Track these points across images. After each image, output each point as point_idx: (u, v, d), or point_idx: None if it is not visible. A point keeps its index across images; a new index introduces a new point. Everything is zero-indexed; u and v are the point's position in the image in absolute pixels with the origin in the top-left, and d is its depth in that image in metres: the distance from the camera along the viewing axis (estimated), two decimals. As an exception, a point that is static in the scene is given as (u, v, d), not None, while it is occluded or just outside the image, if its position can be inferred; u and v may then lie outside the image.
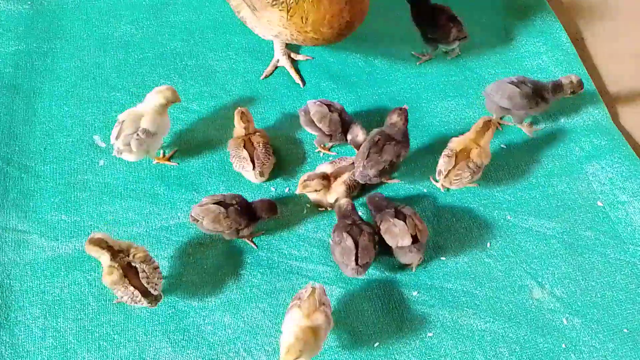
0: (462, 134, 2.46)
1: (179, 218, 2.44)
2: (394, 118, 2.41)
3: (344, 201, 2.33)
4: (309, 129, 2.58)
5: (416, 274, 2.33)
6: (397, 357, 2.16)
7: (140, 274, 2.09)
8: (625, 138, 2.69)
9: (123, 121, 2.42)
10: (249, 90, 2.84)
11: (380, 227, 2.25)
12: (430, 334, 2.20)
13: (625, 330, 2.22)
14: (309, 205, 2.47)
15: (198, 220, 2.24)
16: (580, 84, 2.63)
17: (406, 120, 2.42)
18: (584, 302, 2.28)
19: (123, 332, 2.19)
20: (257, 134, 2.51)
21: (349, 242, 2.16)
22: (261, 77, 2.88)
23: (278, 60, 2.91)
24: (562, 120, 2.76)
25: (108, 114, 2.72)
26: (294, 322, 1.97)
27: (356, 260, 2.14)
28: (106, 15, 3.09)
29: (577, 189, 2.55)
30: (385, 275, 2.33)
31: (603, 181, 2.57)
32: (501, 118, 2.69)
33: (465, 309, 2.26)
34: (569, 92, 2.63)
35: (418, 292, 2.29)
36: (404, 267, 2.33)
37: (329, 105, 2.53)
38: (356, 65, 2.95)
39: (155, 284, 2.10)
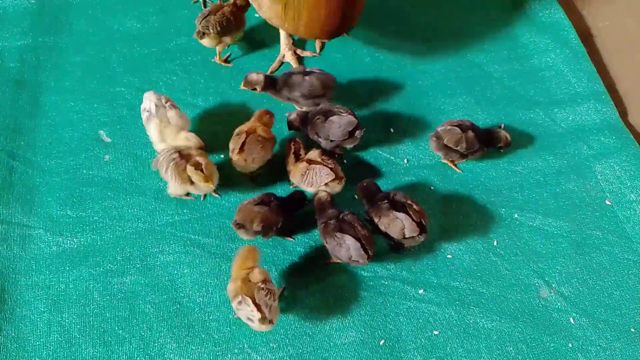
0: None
1: (184, 214, 2.43)
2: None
3: (323, 194, 2.30)
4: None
5: (423, 272, 2.32)
6: (403, 354, 2.15)
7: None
8: (634, 136, 2.68)
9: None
10: (254, 86, 2.83)
11: (380, 222, 2.22)
12: (437, 332, 2.20)
13: (632, 329, 2.21)
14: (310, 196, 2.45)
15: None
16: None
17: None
18: (592, 302, 2.27)
19: (128, 327, 2.18)
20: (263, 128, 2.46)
21: (350, 241, 2.14)
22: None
23: (284, 56, 2.90)
24: (571, 118, 2.75)
25: (113, 109, 2.71)
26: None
27: (367, 253, 2.14)
28: (112, 10, 3.09)
29: (585, 187, 2.54)
30: (392, 273, 2.32)
31: (611, 180, 2.55)
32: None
33: (471, 307, 2.25)
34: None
35: (424, 290, 2.28)
36: (401, 248, 2.31)
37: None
38: (362, 62, 2.94)
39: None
